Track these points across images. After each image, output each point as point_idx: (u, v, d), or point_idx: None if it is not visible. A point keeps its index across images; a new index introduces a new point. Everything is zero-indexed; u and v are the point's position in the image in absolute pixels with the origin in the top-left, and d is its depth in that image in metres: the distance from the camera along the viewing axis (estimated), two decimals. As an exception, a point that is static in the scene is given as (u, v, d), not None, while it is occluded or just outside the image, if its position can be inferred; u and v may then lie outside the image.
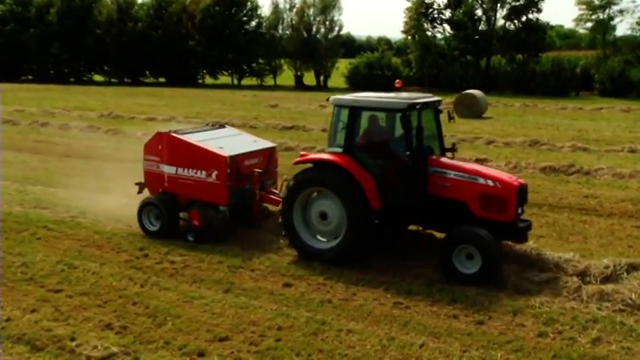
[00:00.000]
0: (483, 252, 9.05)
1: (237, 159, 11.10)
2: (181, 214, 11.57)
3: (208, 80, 56.62)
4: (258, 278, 9.71)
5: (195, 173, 11.13)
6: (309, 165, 10.41)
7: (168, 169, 11.41)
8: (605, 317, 8.11)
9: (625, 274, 9.10)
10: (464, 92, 30.72)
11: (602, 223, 12.64)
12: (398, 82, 11.02)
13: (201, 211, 11.08)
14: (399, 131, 9.93)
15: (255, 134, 12.31)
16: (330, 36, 53.58)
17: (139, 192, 12.01)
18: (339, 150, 10.04)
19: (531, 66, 44.94)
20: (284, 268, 10.03)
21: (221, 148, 11.19)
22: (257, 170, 11.39)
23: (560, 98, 38.62)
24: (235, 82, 55.56)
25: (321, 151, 12.28)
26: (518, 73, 44.90)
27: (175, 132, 11.49)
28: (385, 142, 10.03)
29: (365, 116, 10.07)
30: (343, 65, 51.52)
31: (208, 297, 8.96)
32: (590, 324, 7.98)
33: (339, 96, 10.35)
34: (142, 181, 11.97)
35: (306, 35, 52.99)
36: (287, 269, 9.99)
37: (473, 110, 29.42)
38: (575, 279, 9.09)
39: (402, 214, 9.91)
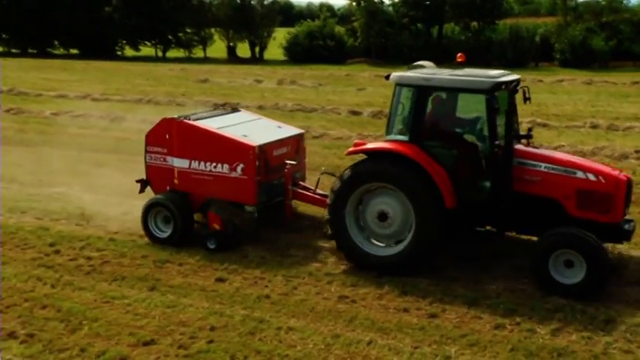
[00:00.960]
0: (589, 259, 8.49)
1: (265, 149, 10.47)
2: (195, 217, 10.89)
3: (128, 52, 55.33)
4: (188, 273, 9.62)
5: (215, 167, 10.46)
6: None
7: (178, 163, 10.69)
8: (566, 305, 8.40)
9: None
10: (414, 64, 31.02)
11: (563, 204, 13.10)
12: (460, 57, 10.35)
13: (222, 213, 10.42)
14: (477, 115, 9.41)
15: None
16: (265, 2, 53.16)
17: (141, 191, 11.16)
18: (403, 138, 9.44)
19: (487, 34, 45.85)
20: (217, 262, 9.97)
21: (245, 136, 10.52)
22: (290, 162, 10.82)
23: (518, 69, 39.33)
24: (160, 54, 54.49)
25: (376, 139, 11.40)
26: (473, 42, 45.74)
27: (186, 117, 10.76)
28: (463, 129, 9.57)
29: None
30: (281, 35, 51.26)
31: (131, 296, 8.83)
32: (550, 314, 8.26)
33: (401, 73, 9.67)
34: (144, 177, 11.12)
35: (239, 1, 52.38)
36: (220, 262, 9.94)
37: (424, 84, 29.79)
38: (534, 265, 9.34)
39: (480, 213, 9.32)
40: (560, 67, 41.46)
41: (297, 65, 42.57)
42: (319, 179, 11.14)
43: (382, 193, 9.51)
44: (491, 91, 8.91)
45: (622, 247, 9.83)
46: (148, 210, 10.73)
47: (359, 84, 32.69)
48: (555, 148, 17.66)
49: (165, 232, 10.69)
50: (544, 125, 21.25)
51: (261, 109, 24.74)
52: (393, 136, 9.65)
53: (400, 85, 9.61)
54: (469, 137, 9.52)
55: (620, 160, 16.71)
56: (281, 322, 8.14)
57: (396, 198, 9.36)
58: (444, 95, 9.70)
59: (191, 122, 10.69)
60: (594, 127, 21.11)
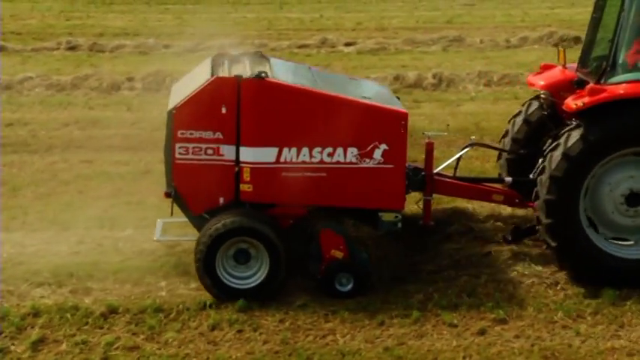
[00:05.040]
0: None
1: None
2: None
3: None
4: None
5: (331, 155, 9.17)
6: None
7: (253, 155, 9.12)
8: (52, 305, 8.80)
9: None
10: None
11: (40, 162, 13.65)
12: None
13: (346, 231, 9.28)
14: None
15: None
16: None
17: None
18: None
19: None
20: None
21: (367, 98, 9.54)
22: (433, 133, 10.41)
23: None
24: None
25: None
26: None
27: (260, 75, 9.09)
28: None
29: None
30: None
31: None
32: (30, 320, 8.56)
33: None
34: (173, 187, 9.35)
35: None
36: None
37: None
38: None
39: None
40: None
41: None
42: (460, 157, 10.67)
43: (622, 164, 9.41)
44: None
45: None
46: (216, 244, 8.82)
47: None
48: (22, 82, 17.97)
49: (253, 278, 9.16)
50: (3, 50, 21.33)
51: None
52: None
53: None
54: None
55: (110, 93, 17.84)
56: None
57: None
58: None
59: (280, 82, 9.26)
60: (72, 48, 22.07)
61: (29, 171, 13.15)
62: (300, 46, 23.01)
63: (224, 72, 9.49)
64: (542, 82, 10.60)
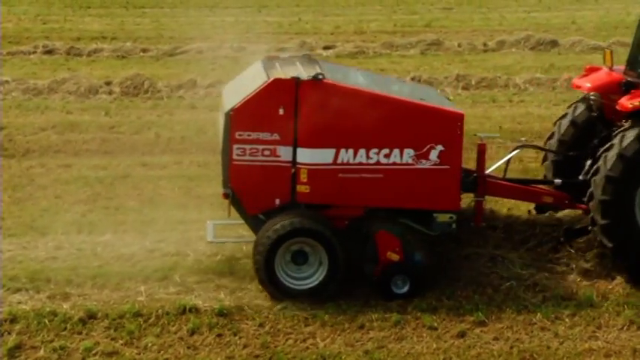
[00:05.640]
0: None
1: None
2: None
3: None
4: None
5: (388, 156, 9.24)
6: None
7: (311, 157, 9.18)
8: (30, 311, 8.73)
9: None
10: None
11: (17, 166, 13.57)
12: None
13: (402, 233, 9.26)
14: None
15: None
16: None
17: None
18: None
19: None
20: None
21: (423, 99, 9.71)
22: (483, 135, 10.48)
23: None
24: None
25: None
26: None
27: (317, 76, 9.12)
28: None
29: None
30: None
31: None
32: (7, 326, 8.48)
33: None
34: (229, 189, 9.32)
35: None
36: None
37: None
38: None
39: None
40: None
41: None
42: (510, 159, 10.74)
43: None
44: None
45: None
46: (276, 245, 8.98)
47: None
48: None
49: (312, 277, 9.26)
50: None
51: None
52: None
53: None
54: None
55: (87, 97, 17.75)
56: None
57: None
58: None
59: (337, 83, 9.30)
60: (49, 52, 21.91)
61: (6, 176, 13.04)
62: (279, 50, 22.91)
63: (279, 74, 9.39)
64: (588, 85, 10.57)
